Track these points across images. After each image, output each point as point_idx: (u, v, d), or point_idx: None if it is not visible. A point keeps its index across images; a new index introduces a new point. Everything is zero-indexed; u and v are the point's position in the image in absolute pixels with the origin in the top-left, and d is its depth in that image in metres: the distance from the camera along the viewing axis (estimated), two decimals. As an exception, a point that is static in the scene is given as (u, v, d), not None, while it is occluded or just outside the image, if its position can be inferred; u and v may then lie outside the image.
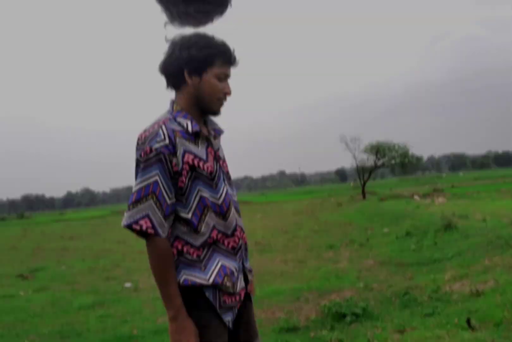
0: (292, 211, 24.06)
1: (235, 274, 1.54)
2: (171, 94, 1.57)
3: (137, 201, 1.40)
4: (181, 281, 1.45)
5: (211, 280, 1.46)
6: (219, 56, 1.48)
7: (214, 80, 1.50)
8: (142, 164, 1.41)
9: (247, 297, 1.63)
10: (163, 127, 1.43)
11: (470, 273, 5.17)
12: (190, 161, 1.44)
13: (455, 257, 6.32)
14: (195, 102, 1.51)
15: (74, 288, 7.32)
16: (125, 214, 1.41)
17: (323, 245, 10.11)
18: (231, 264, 1.54)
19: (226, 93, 1.53)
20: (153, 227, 1.39)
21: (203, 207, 1.47)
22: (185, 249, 1.47)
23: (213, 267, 1.48)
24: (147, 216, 1.39)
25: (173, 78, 1.51)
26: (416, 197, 18.37)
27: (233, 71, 1.55)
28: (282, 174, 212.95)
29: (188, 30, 1.54)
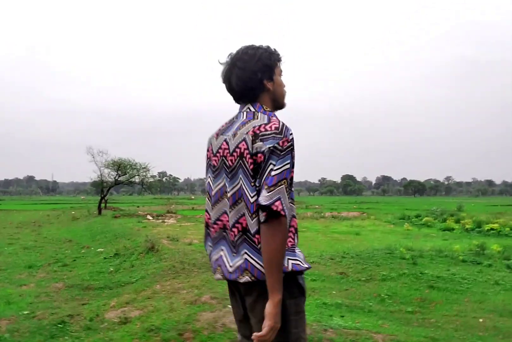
0: (18, 222, 21.39)
1: None
2: None
3: (275, 185, 1.46)
4: (289, 266, 1.49)
5: (306, 265, 1.55)
6: (277, 59, 1.68)
7: (280, 78, 1.70)
8: (281, 152, 1.49)
9: None
10: (284, 123, 1.56)
11: (138, 299, 5.31)
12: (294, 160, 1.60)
13: (138, 281, 6.47)
14: (273, 104, 1.68)
15: None
16: (265, 194, 1.46)
17: (23, 264, 9.11)
18: None
19: (284, 86, 1.73)
20: (283, 209, 1.45)
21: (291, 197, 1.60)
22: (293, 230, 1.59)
23: (298, 251, 1.57)
24: (280, 199, 1.46)
25: (252, 90, 1.63)
26: (149, 217, 18.74)
27: None
28: (30, 179, 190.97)
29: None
